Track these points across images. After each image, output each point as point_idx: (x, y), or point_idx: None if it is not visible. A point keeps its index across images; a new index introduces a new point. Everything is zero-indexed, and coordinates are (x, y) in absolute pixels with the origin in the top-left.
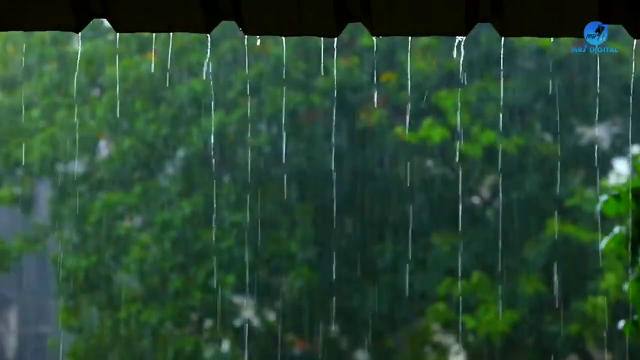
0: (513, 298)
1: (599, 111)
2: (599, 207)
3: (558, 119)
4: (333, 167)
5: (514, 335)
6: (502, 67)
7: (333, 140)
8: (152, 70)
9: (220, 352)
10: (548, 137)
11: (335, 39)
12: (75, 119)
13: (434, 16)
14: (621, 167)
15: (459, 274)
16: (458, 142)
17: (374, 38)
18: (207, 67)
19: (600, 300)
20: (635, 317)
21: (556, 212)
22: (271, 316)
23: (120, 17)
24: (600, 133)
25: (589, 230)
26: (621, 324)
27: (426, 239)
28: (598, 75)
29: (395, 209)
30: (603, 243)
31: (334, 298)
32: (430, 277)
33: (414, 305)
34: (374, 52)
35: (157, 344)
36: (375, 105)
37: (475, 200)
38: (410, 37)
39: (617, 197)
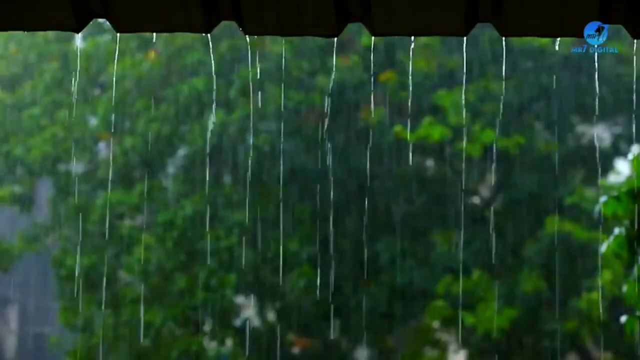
0: (512, 295)
1: (599, 111)
2: (598, 207)
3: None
4: (333, 167)
5: (512, 331)
6: (504, 67)
7: (333, 139)
8: (153, 69)
9: (221, 352)
10: (548, 136)
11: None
12: (77, 117)
13: (434, 16)
14: (621, 166)
15: (460, 272)
16: (460, 140)
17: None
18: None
19: (597, 297)
20: (638, 313)
21: (555, 211)
22: (272, 315)
23: (120, 17)
24: (601, 132)
25: (588, 228)
26: (623, 318)
27: (426, 238)
28: (596, 75)
29: (395, 208)
30: (604, 247)
31: (334, 297)
32: (431, 275)
33: (414, 303)
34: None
35: (157, 343)
36: (376, 104)
37: (475, 199)
38: (411, 37)
39: (617, 199)
